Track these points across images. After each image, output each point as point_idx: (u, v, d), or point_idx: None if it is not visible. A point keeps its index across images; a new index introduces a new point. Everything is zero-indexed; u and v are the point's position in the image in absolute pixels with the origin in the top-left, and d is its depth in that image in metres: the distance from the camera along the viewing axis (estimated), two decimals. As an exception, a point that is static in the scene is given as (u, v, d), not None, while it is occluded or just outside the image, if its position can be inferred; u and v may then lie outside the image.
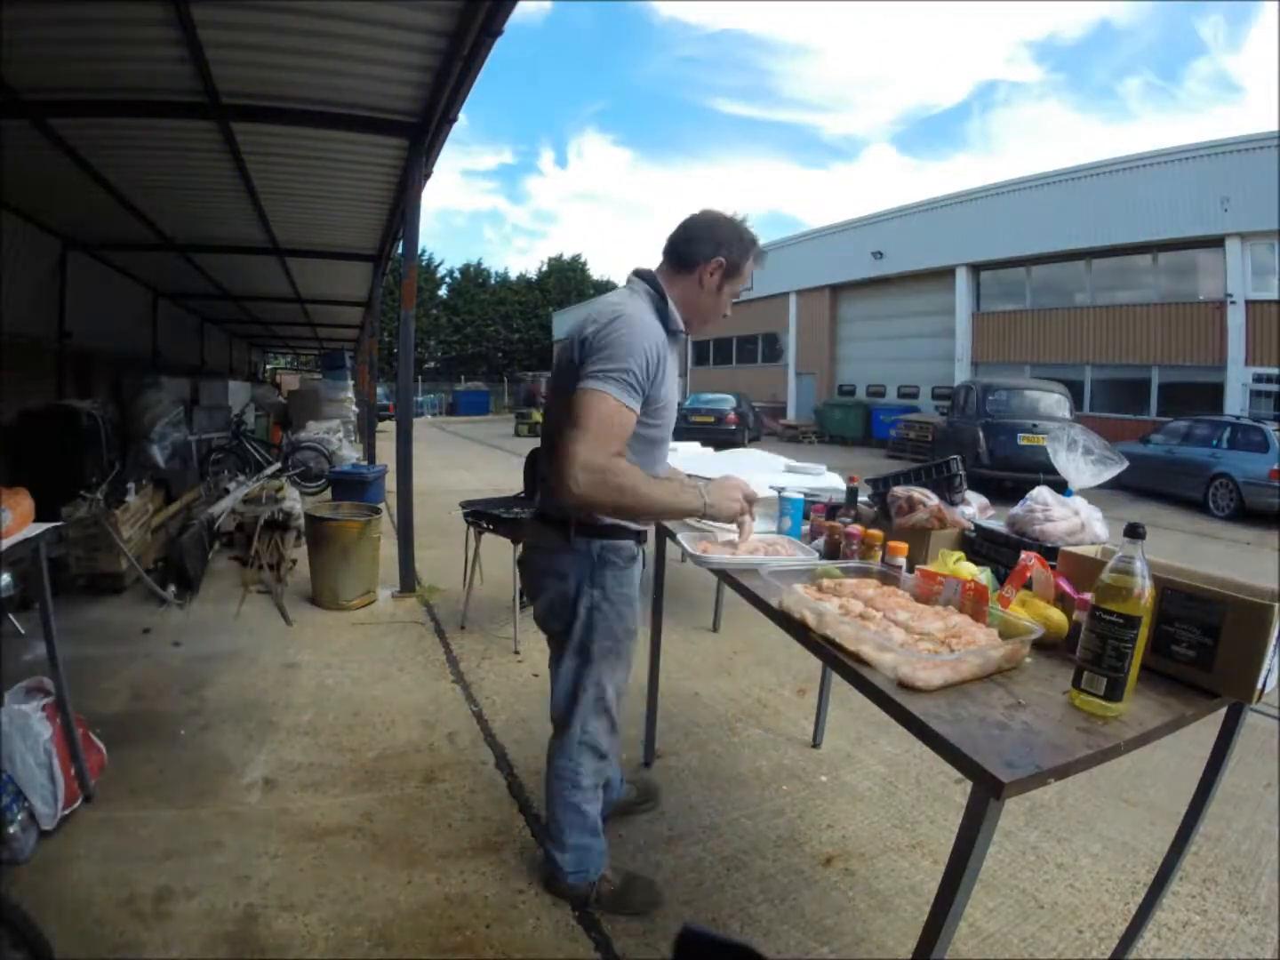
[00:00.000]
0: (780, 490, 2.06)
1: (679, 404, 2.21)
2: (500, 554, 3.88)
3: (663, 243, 1.60)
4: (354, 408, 11.16)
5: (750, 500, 1.53)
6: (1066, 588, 1.31)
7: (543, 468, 1.61)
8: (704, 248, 1.52)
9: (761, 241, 1.61)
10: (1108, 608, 1.03)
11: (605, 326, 1.41)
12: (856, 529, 1.70)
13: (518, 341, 40.19)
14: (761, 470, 4.04)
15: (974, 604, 1.29)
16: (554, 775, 1.71)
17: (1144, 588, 1.02)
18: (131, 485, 4.57)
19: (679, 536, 1.98)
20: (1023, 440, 9.57)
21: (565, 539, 1.56)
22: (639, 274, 1.58)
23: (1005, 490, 9.73)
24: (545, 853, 1.80)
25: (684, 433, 9.69)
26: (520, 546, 1.72)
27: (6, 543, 1.76)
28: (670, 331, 1.52)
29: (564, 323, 36.89)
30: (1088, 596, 1.17)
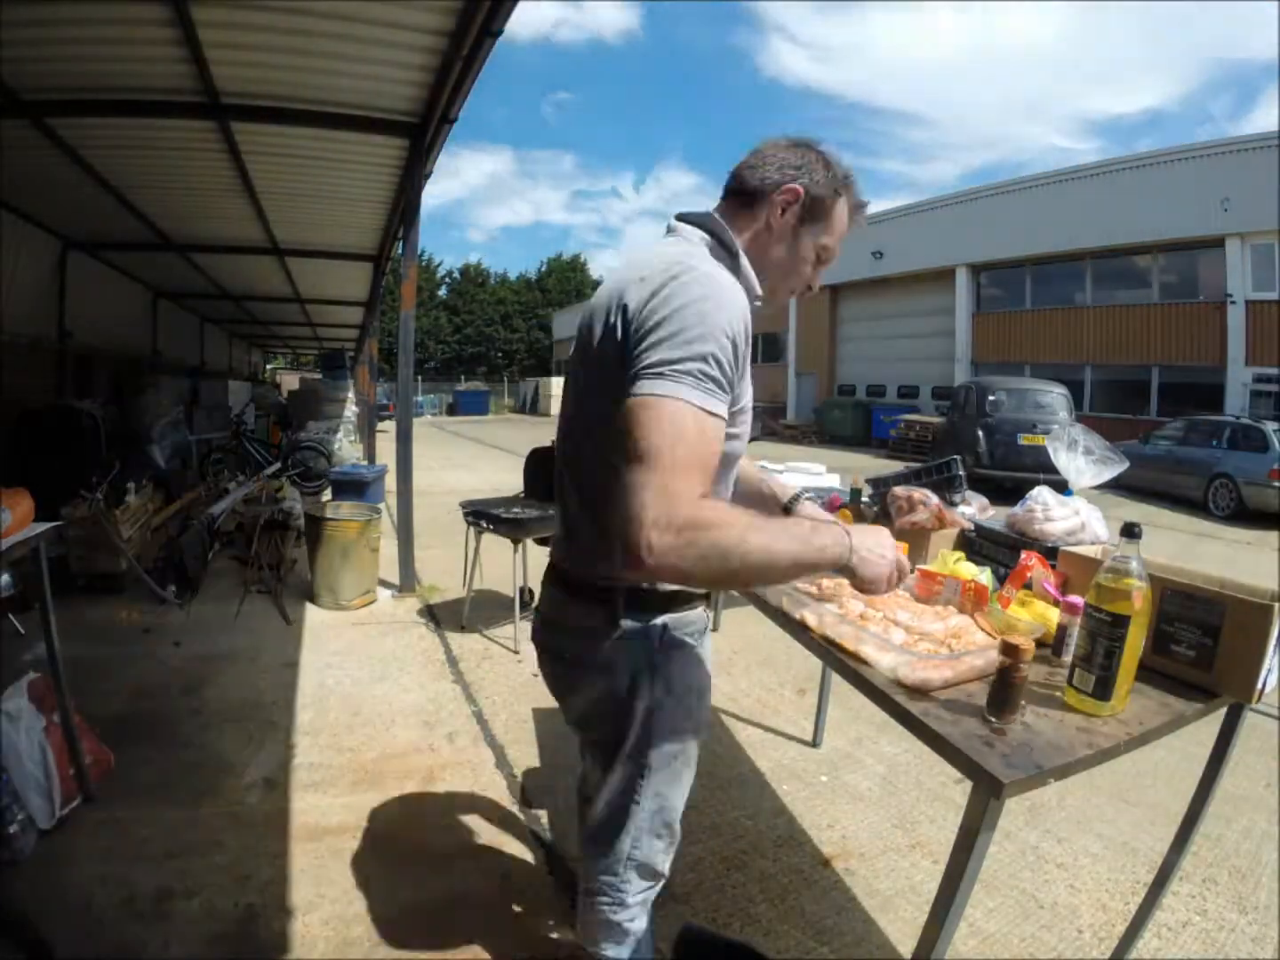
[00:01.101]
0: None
1: None
2: (500, 554, 3.88)
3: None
4: (354, 408, 11.16)
5: (901, 571, 1.05)
6: (1050, 589, 1.32)
7: (569, 507, 1.12)
8: (773, 173, 1.05)
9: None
10: (1099, 606, 1.03)
11: (665, 291, 0.90)
12: None
13: (518, 341, 40.22)
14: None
15: (974, 604, 1.30)
16: (591, 892, 1.24)
17: (1138, 589, 1.02)
18: (131, 485, 4.56)
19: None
20: (1023, 440, 9.58)
21: (610, 621, 1.08)
22: (689, 219, 1.08)
23: (1005, 490, 9.73)
24: None
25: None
26: (536, 619, 1.25)
27: (6, 542, 1.75)
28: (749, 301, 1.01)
29: (564, 323, 36.88)
30: (1073, 599, 1.17)
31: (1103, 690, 1.03)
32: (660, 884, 1.28)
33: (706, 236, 1.05)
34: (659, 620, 1.10)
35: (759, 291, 1.07)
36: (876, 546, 1.00)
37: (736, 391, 0.97)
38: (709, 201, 1.13)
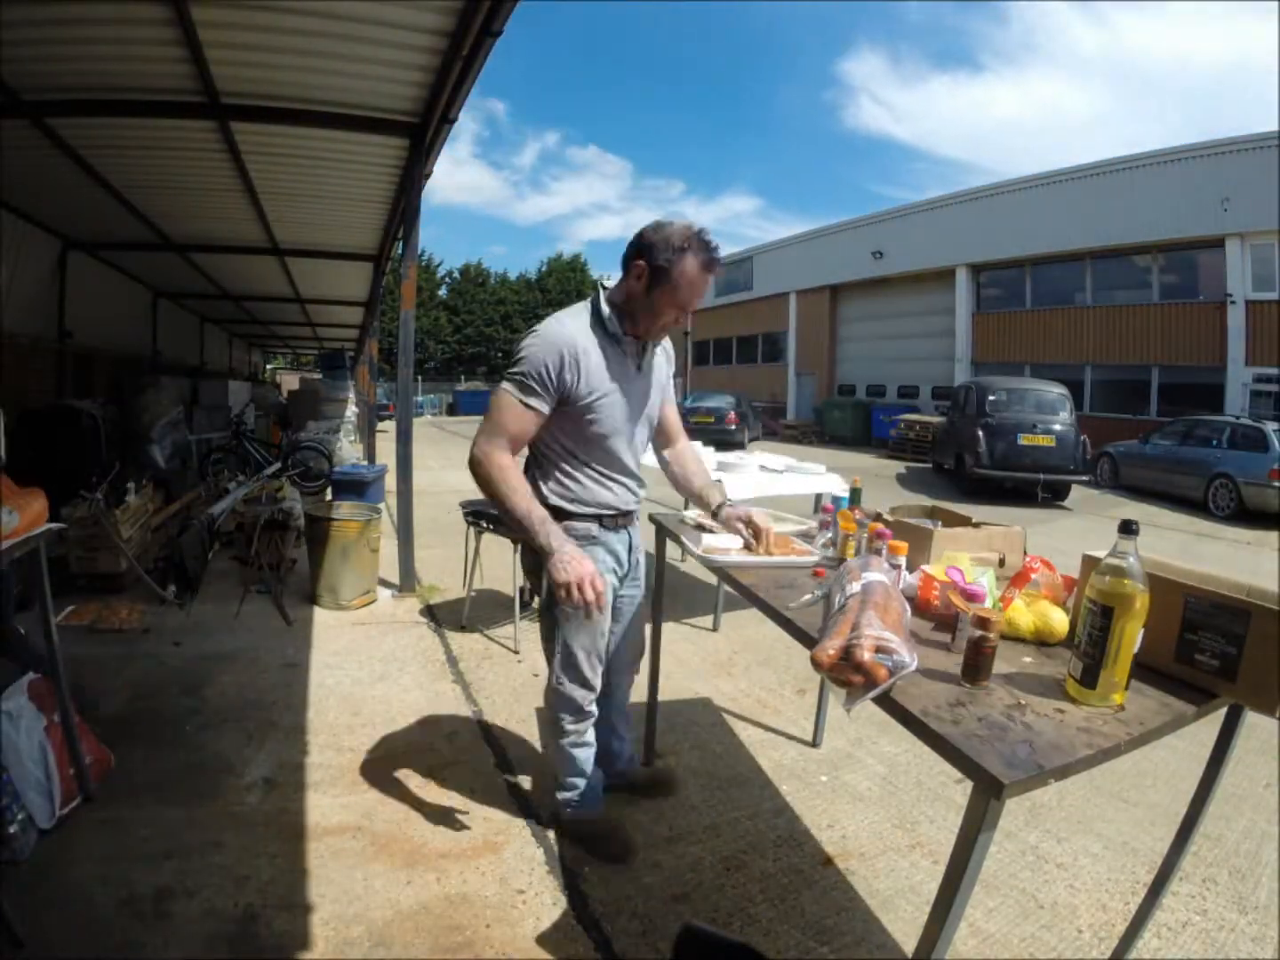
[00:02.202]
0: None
1: (679, 403, 2.26)
2: (500, 554, 3.88)
3: None
4: (354, 408, 11.15)
5: (590, 584, 1.52)
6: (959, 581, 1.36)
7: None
8: (629, 251, 1.63)
9: (718, 253, 1.64)
10: (1090, 595, 1.07)
11: (521, 338, 1.67)
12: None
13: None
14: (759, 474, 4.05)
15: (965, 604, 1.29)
16: (544, 721, 2.08)
17: (1130, 585, 1.04)
18: (131, 485, 4.56)
19: (682, 537, 1.98)
20: (1023, 440, 9.57)
21: None
22: (599, 285, 1.74)
23: (1005, 490, 9.73)
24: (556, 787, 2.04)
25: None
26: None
27: (7, 543, 1.75)
28: (609, 334, 1.67)
29: (564, 323, 36.76)
30: (972, 587, 1.27)
31: (1089, 678, 1.06)
32: (584, 719, 1.89)
33: (594, 296, 1.70)
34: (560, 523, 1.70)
35: (618, 329, 1.66)
36: (569, 562, 1.53)
37: (578, 389, 1.61)
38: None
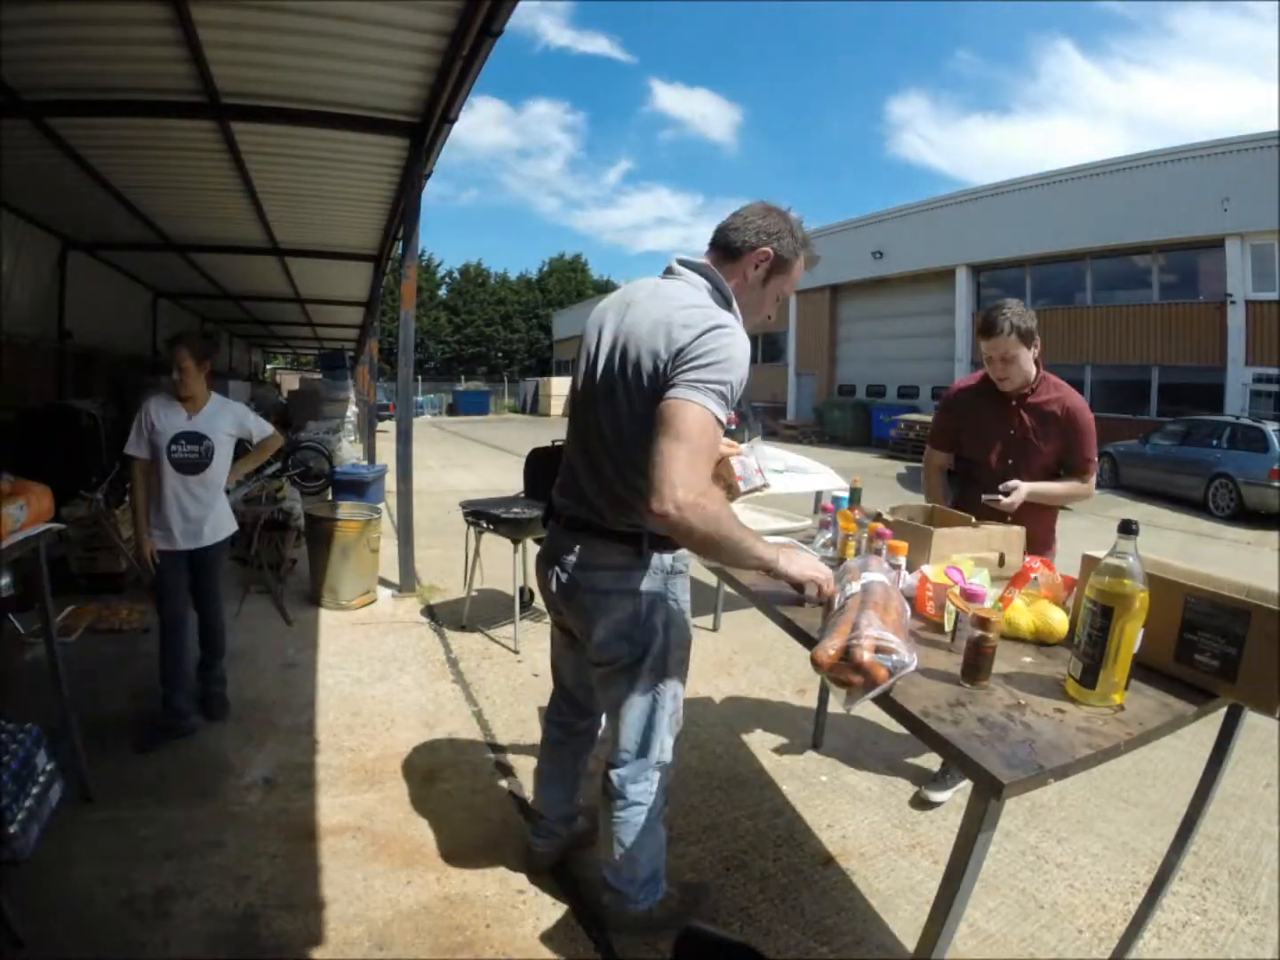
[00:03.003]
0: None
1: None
2: (500, 554, 3.88)
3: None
4: (354, 408, 11.15)
5: (822, 578, 1.37)
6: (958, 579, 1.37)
7: (585, 480, 1.45)
8: (750, 237, 1.38)
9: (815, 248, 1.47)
10: (1089, 595, 1.07)
11: (703, 334, 1.24)
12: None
13: (518, 341, 40.22)
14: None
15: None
16: (627, 805, 1.53)
17: (1129, 586, 1.04)
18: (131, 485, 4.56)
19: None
20: (1023, 440, 9.56)
21: (638, 554, 1.43)
22: (695, 268, 1.40)
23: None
24: (606, 884, 1.62)
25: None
26: (557, 569, 1.51)
27: (7, 542, 1.75)
28: None
29: (564, 323, 36.84)
30: (972, 587, 1.27)
31: (1089, 678, 1.06)
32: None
33: (708, 284, 1.38)
34: (668, 555, 1.47)
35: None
36: (797, 561, 1.34)
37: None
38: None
